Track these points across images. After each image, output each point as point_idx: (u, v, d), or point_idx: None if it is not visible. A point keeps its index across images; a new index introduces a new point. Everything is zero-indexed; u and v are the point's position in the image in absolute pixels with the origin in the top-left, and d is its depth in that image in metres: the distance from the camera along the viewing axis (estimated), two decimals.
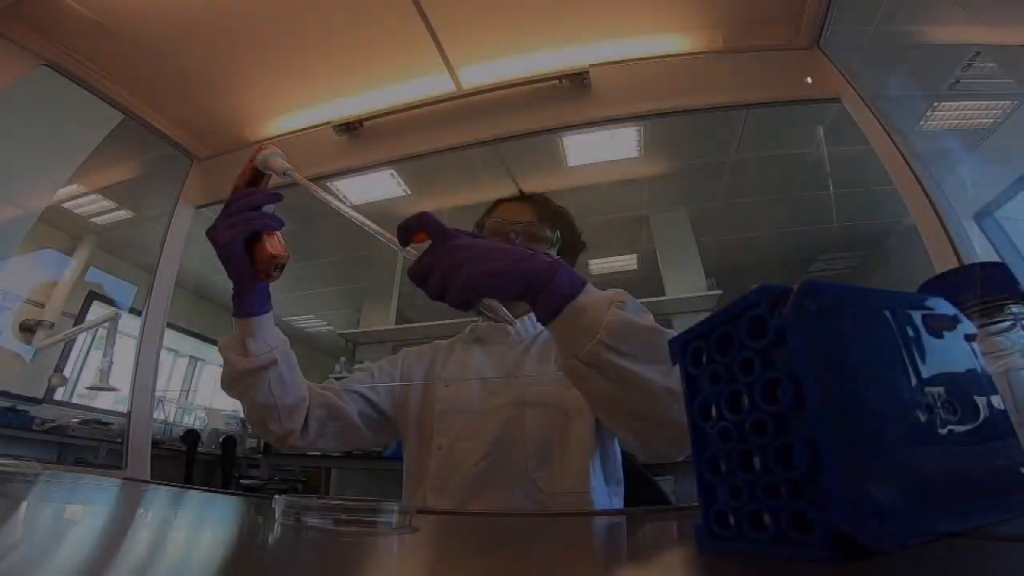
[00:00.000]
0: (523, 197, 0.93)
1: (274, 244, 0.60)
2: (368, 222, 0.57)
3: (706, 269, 3.12)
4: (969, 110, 1.51)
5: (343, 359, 3.56)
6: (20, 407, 2.82)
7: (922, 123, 1.53)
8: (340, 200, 0.60)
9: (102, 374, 2.73)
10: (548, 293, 0.48)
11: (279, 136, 1.87)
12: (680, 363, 0.29)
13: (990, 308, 0.36)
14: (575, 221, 0.95)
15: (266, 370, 0.69)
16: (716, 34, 1.53)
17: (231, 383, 0.71)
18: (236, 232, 0.59)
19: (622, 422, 0.56)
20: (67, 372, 3.39)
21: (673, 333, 0.62)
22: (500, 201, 0.94)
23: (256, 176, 0.63)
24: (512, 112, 1.65)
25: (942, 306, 0.28)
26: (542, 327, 0.88)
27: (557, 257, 0.85)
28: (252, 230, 0.60)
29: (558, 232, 0.88)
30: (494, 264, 0.47)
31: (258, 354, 0.67)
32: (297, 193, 0.63)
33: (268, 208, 0.62)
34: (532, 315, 0.88)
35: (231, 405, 4.22)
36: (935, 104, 1.52)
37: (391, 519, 0.37)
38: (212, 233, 0.61)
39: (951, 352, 0.27)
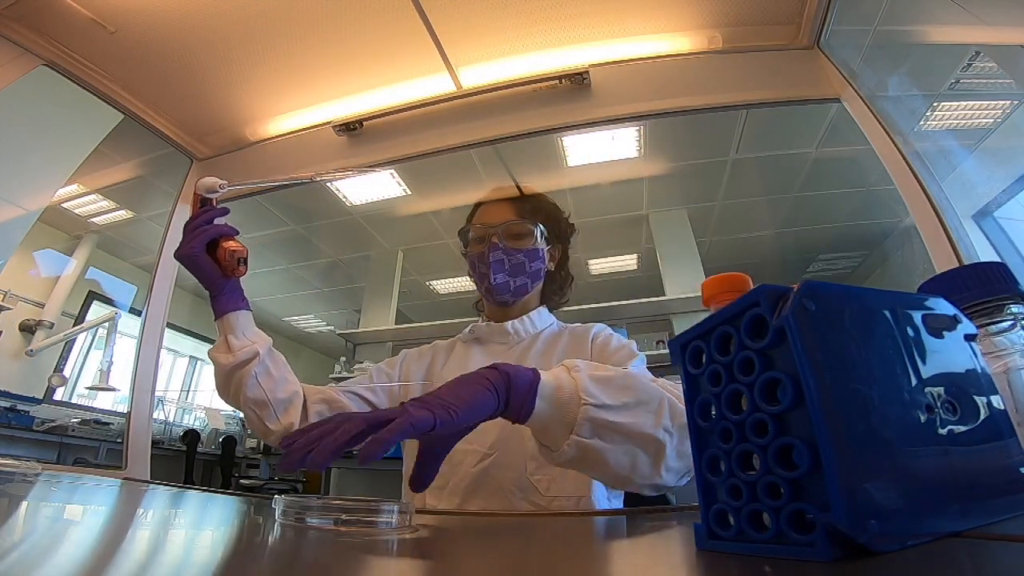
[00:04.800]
0: (499, 196, 0.91)
1: (231, 244, 0.70)
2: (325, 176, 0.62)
3: (706, 269, 3.12)
4: (969, 110, 1.52)
5: (343, 359, 3.56)
6: (20, 407, 2.82)
7: (922, 123, 1.53)
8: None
9: (102, 374, 2.74)
10: (516, 388, 0.45)
11: (279, 136, 1.87)
12: (680, 363, 0.29)
13: (990, 308, 0.36)
14: (557, 206, 0.93)
15: (251, 363, 0.72)
16: (716, 34, 1.53)
17: (223, 384, 0.73)
18: (196, 243, 0.69)
19: (639, 483, 0.53)
20: (67, 372, 3.40)
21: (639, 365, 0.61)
22: (479, 204, 0.93)
23: (204, 202, 0.73)
24: (512, 112, 1.65)
25: (942, 306, 0.28)
26: (542, 327, 0.88)
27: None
28: (209, 238, 0.69)
29: (540, 225, 0.87)
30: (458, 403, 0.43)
31: (240, 348, 0.71)
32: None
33: (220, 220, 0.71)
34: (530, 315, 0.88)
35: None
36: (935, 104, 1.52)
37: (391, 519, 0.37)
38: (178, 252, 0.69)
39: (951, 352, 0.27)
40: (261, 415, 0.73)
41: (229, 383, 0.73)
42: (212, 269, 0.70)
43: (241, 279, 0.73)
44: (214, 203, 0.73)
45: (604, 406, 0.47)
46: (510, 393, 0.44)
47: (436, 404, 0.40)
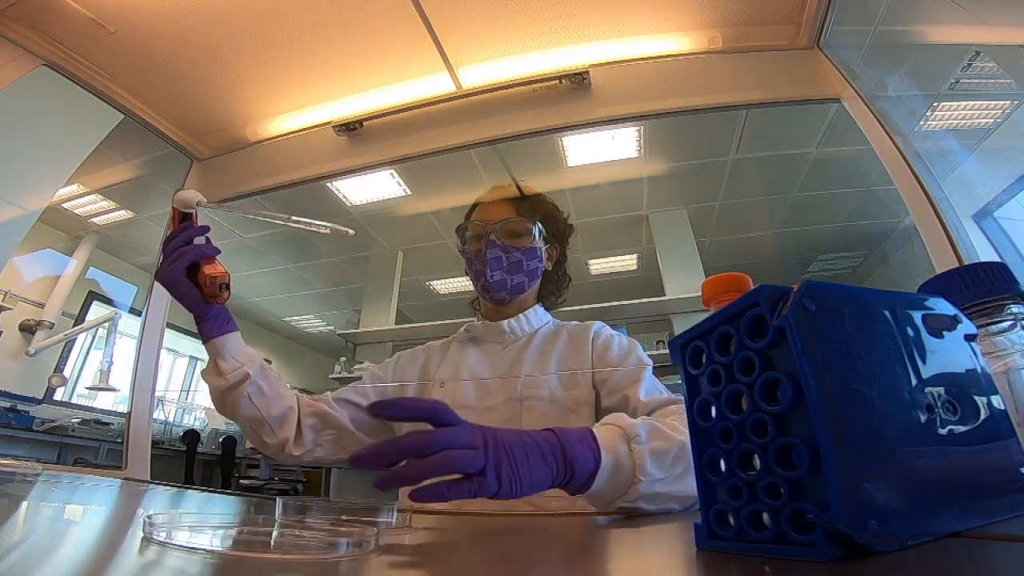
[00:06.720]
0: (498, 195, 0.92)
1: (213, 267, 0.66)
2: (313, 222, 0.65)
3: (706, 269, 3.12)
4: (969, 110, 1.51)
5: (343, 359, 3.56)
6: (20, 407, 2.82)
7: (922, 123, 1.52)
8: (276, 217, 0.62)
9: (102, 374, 2.74)
10: (577, 476, 0.46)
11: (279, 136, 1.87)
12: (680, 363, 0.29)
13: (990, 308, 0.36)
14: (556, 206, 0.94)
15: (242, 385, 0.72)
16: (716, 34, 1.53)
17: (218, 403, 0.74)
18: (176, 267, 0.65)
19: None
20: (67, 372, 3.39)
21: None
22: (476, 204, 0.93)
23: (183, 217, 0.69)
24: (512, 112, 1.65)
25: (942, 306, 0.28)
26: (538, 325, 0.88)
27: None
28: (189, 262, 0.66)
29: (538, 223, 0.87)
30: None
31: (230, 371, 0.71)
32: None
33: (199, 240, 0.67)
34: (526, 313, 0.88)
35: None
36: (935, 104, 1.51)
37: (391, 519, 0.37)
38: (159, 277, 0.66)
39: (951, 352, 0.27)
40: (258, 431, 0.75)
41: (224, 403, 0.74)
42: (194, 295, 0.66)
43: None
44: (194, 218, 0.70)
45: (657, 480, 0.49)
46: (570, 480, 0.46)
47: (507, 477, 0.41)
